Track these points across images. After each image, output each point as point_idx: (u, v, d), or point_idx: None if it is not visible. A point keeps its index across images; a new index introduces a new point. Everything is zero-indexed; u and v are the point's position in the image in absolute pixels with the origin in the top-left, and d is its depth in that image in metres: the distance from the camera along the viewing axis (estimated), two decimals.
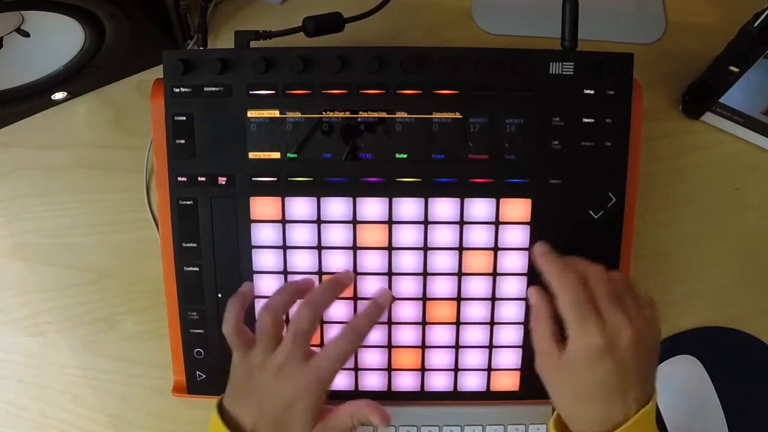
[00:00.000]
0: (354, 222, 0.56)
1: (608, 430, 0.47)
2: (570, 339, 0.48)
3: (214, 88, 0.55)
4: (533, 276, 0.56)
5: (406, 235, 0.56)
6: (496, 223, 0.56)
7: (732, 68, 0.59)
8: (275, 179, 0.56)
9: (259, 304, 0.57)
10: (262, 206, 0.56)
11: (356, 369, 0.58)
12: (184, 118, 0.55)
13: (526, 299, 0.56)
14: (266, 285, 0.57)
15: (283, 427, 0.50)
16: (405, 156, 0.55)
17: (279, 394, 0.50)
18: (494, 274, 0.56)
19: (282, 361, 0.50)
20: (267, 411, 0.50)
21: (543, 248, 0.52)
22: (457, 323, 0.57)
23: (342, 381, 0.58)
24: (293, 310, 0.53)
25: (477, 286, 0.56)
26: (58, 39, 0.58)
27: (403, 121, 0.55)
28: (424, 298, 0.57)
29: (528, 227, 0.56)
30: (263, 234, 0.56)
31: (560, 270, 0.50)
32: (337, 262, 0.56)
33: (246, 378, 0.51)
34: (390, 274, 0.56)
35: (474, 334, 0.57)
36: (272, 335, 0.51)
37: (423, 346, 0.58)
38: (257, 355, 0.51)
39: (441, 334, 0.57)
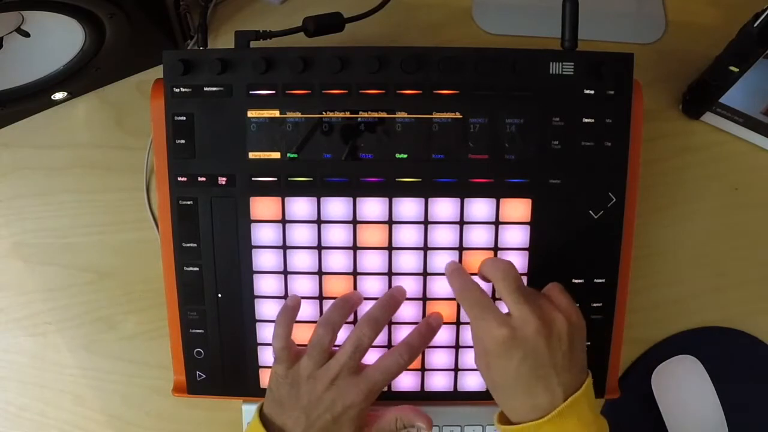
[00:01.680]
0: (354, 222, 0.56)
1: (538, 417, 0.48)
2: (481, 338, 0.50)
3: (214, 88, 0.55)
4: (533, 276, 0.56)
5: (406, 235, 0.56)
6: (496, 223, 0.56)
7: (732, 68, 0.59)
8: (275, 179, 0.56)
9: (261, 303, 0.57)
10: (262, 206, 0.56)
11: None
12: (184, 118, 0.55)
13: None
14: (266, 285, 0.57)
15: None
16: (405, 156, 0.55)
17: (330, 405, 0.51)
18: None
19: (335, 374, 0.51)
20: (315, 420, 0.51)
21: (452, 266, 0.55)
22: (457, 323, 0.57)
23: None
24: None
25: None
26: (58, 39, 0.58)
27: (403, 121, 0.55)
28: (424, 298, 0.57)
29: (528, 227, 0.56)
30: (263, 234, 0.56)
31: (460, 281, 0.53)
32: (337, 262, 0.56)
33: (292, 389, 0.52)
34: (390, 274, 0.56)
35: None
36: (326, 350, 0.52)
37: None
38: (306, 367, 0.52)
39: (441, 334, 0.57)
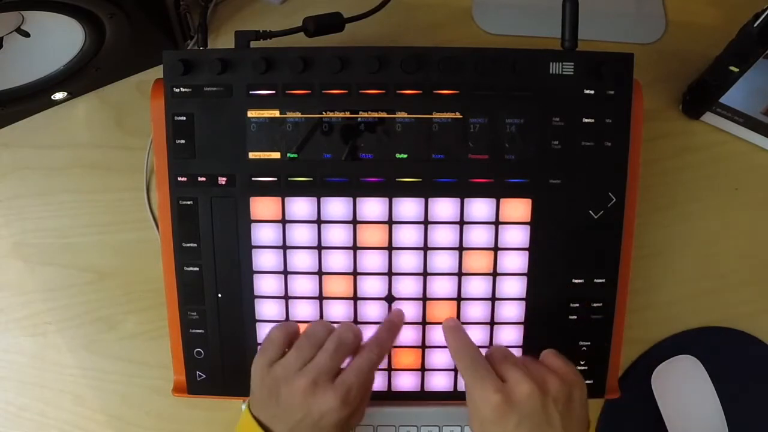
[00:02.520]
0: (354, 222, 0.56)
1: None
2: (476, 403, 0.49)
3: (214, 88, 0.55)
4: (533, 276, 0.56)
5: (406, 235, 0.56)
6: (496, 223, 0.56)
7: (732, 68, 0.59)
8: (275, 179, 0.56)
9: (261, 303, 0.57)
10: (262, 206, 0.56)
11: None
12: (184, 118, 0.55)
13: (526, 299, 0.57)
14: (266, 285, 0.57)
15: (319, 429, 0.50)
16: (405, 156, 0.55)
17: (309, 411, 0.50)
18: (494, 274, 0.56)
19: (314, 377, 0.50)
20: (295, 425, 0.50)
21: (450, 323, 0.56)
22: None
23: None
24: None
25: (477, 286, 0.57)
26: (58, 39, 0.58)
27: (403, 121, 0.55)
28: (424, 298, 0.57)
29: (528, 227, 0.56)
30: (263, 234, 0.56)
31: (457, 340, 0.53)
32: (337, 262, 0.56)
33: (272, 391, 0.51)
34: (390, 274, 0.56)
35: (474, 334, 0.57)
36: (315, 344, 0.52)
37: (423, 346, 0.58)
38: (287, 364, 0.51)
39: (441, 334, 0.57)
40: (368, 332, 0.56)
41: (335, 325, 0.54)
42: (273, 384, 0.51)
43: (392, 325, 0.55)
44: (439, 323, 0.57)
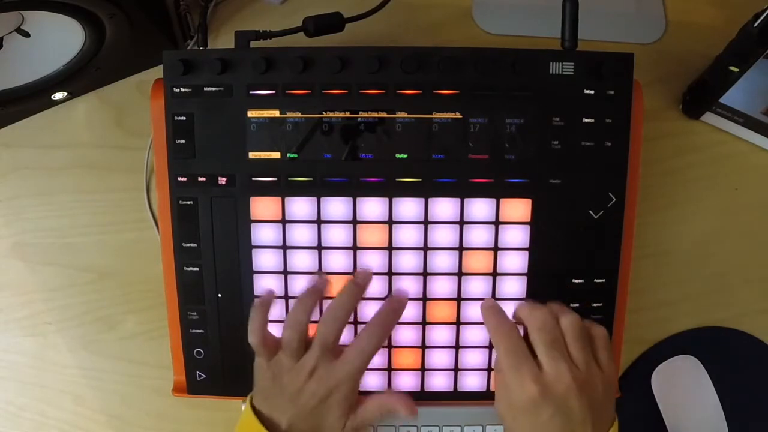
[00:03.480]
0: (354, 222, 0.56)
1: None
2: (510, 388, 0.49)
3: (214, 88, 0.55)
4: (533, 276, 0.56)
5: (406, 235, 0.56)
6: (496, 223, 0.56)
7: (732, 68, 0.59)
8: (275, 179, 0.56)
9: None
10: (262, 206, 0.56)
11: None
12: (184, 118, 0.55)
13: (526, 299, 0.56)
14: (266, 285, 0.57)
15: (320, 417, 0.51)
16: (405, 156, 0.55)
17: (313, 392, 0.51)
18: (494, 274, 0.56)
19: (313, 365, 0.51)
20: (302, 406, 0.51)
21: (488, 303, 0.54)
22: (457, 323, 0.57)
23: None
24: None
25: (477, 286, 0.56)
26: (58, 39, 0.58)
27: (403, 121, 0.55)
28: (424, 298, 0.57)
29: (528, 227, 0.56)
30: (263, 234, 0.56)
31: (496, 321, 0.52)
32: (337, 262, 0.56)
33: (275, 381, 0.52)
34: (390, 274, 0.56)
35: (474, 334, 0.57)
36: (299, 347, 0.52)
37: (423, 346, 0.58)
38: (284, 360, 0.52)
39: (441, 334, 0.57)
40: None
41: (308, 300, 0.54)
42: (275, 375, 0.52)
43: (397, 303, 0.54)
44: (439, 323, 0.57)
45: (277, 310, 0.57)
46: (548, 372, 0.48)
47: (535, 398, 0.47)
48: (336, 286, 0.57)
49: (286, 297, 0.57)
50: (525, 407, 0.48)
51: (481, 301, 0.56)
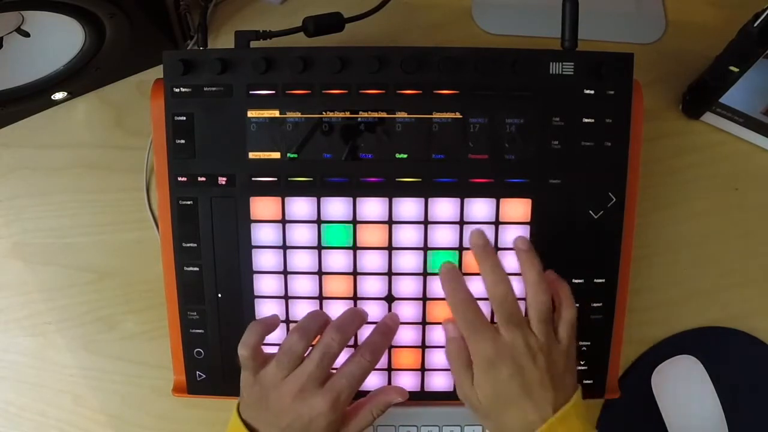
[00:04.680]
0: (354, 222, 0.56)
1: None
2: (471, 356, 0.50)
3: (214, 88, 0.55)
4: None
5: (406, 235, 0.56)
6: (496, 223, 0.56)
7: (732, 68, 0.59)
8: (275, 179, 0.56)
9: (261, 303, 0.57)
10: (262, 206, 0.56)
11: None
12: (184, 118, 0.55)
13: (525, 299, 0.56)
14: (266, 285, 0.57)
15: None
16: (405, 156, 0.55)
17: (298, 415, 0.50)
18: None
19: (302, 383, 0.50)
20: (287, 427, 0.50)
21: (447, 267, 0.53)
22: None
23: None
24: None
25: (477, 286, 0.56)
26: (58, 39, 0.58)
27: (403, 121, 0.55)
28: (424, 298, 0.57)
29: (528, 227, 0.56)
30: (263, 234, 0.56)
31: (451, 288, 0.52)
32: (337, 262, 0.56)
33: (261, 396, 0.51)
34: (390, 274, 0.56)
35: None
36: (298, 357, 0.51)
37: (423, 346, 0.58)
38: (271, 374, 0.51)
39: (441, 334, 0.57)
40: (367, 334, 0.56)
41: (321, 315, 0.54)
42: (261, 391, 0.51)
43: (387, 328, 0.55)
44: (439, 323, 0.57)
45: (276, 310, 0.57)
46: (504, 335, 0.49)
47: (491, 357, 0.49)
48: (336, 285, 0.57)
49: (287, 297, 0.57)
50: (485, 368, 0.49)
51: (482, 301, 0.56)
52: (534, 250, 0.51)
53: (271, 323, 0.54)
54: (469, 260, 0.56)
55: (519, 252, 0.51)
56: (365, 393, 0.55)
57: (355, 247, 0.56)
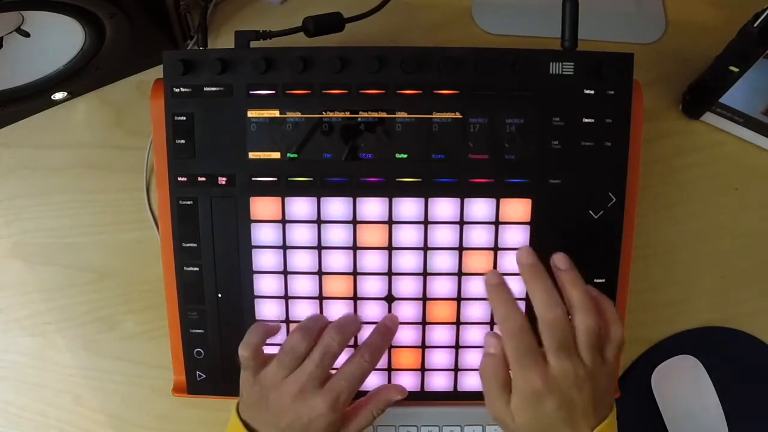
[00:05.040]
0: (354, 222, 0.56)
1: None
2: (513, 381, 0.49)
3: (214, 88, 0.55)
4: None
5: (406, 235, 0.56)
6: (496, 223, 0.56)
7: (732, 68, 0.59)
8: (275, 179, 0.56)
9: (260, 303, 0.57)
10: (262, 206, 0.56)
11: None
12: (184, 118, 0.55)
13: (526, 300, 0.56)
14: (266, 285, 0.57)
15: None
16: (405, 156, 0.55)
17: (298, 416, 0.50)
18: None
19: (302, 384, 0.50)
20: (286, 427, 0.50)
21: (494, 280, 0.51)
22: (457, 323, 0.57)
23: None
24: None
25: (477, 286, 0.56)
26: (58, 39, 0.58)
27: (403, 121, 0.55)
28: (424, 298, 0.57)
29: (528, 227, 0.56)
30: (263, 234, 0.56)
31: (505, 311, 0.49)
32: (337, 262, 0.56)
33: (261, 396, 0.51)
34: (390, 274, 0.56)
35: (474, 334, 0.57)
36: (299, 357, 0.51)
37: (423, 346, 0.58)
38: (271, 374, 0.51)
39: (441, 334, 0.57)
40: (367, 334, 0.56)
41: (322, 318, 0.54)
42: (261, 391, 0.51)
43: (386, 329, 0.55)
44: (439, 323, 0.57)
45: (276, 310, 0.57)
46: (554, 367, 0.48)
47: (539, 391, 0.47)
48: (336, 285, 0.57)
49: (287, 297, 0.57)
50: (529, 402, 0.48)
51: (483, 301, 0.56)
52: (576, 268, 0.49)
53: (273, 327, 0.54)
54: (470, 260, 0.56)
55: (559, 271, 0.50)
56: (364, 393, 0.55)
57: (355, 247, 0.56)
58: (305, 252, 0.56)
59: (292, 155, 0.55)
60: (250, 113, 0.55)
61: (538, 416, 0.48)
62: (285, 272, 0.57)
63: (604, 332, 0.49)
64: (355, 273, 0.57)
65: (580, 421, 0.48)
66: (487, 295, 0.51)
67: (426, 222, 0.56)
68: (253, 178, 0.56)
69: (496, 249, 0.56)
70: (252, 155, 0.55)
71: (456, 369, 0.58)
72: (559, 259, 0.50)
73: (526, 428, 0.49)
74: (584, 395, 0.48)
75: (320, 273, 0.57)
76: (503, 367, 0.49)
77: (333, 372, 0.52)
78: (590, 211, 0.56)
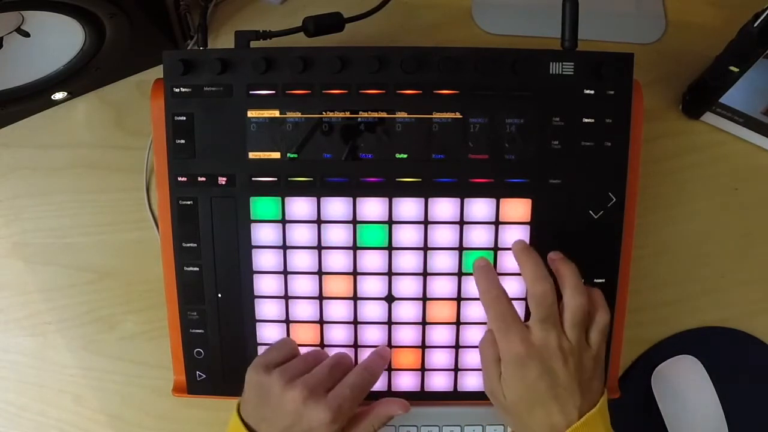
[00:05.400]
0: (354, 222, 0.56)
1: None
2: (500, 352, 0.50)
3: (214, 88, 0.55)
4: None
5: (406, 235, 0.56)
6: (496, 223, 0.56)
7: (732, 68, 0.59)
8: (275, 179, 0.56)
9: (260, 303, 0.57)
10: (262, 206, 0.56)
11: None
12: (184, 118, 0.55)
13: (526, 300, 0.56)
14: (266, 285, 0.57)
15: None
16: (405, 156, 0.55)
17: (299, 421, 0.50)
18: None
19: (309, 389, 0.50)
20: (285, 429, 0.50)
21: (481, 262, 0.54)
22: (457, 323, 0.57)
23: None
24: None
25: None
26: (58, 39, 0.58)
27: (403, 121, 0.55)
28: (424, 298, 0.57)
29: (528, 227, 0.56)
30: (263, 234, 0.56)
31: (486, 284, 0.52)
32: (337, 262, 0.56)
33: (263, 401, 0.51)
34: (390, 274, 0.56)
35: (474, 334, 0.57)
36: (309, 366, 0.53)
37: (423, 346, 0.58)
38: (277, 381, 0.51)
39: (441, 334, 0.57)
40: (367, 334, 0.56)
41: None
42: (267, 386, 0.51)
43: (381, 354, 0.57)
44: (439, 323, 0.57)
45: (276, 310, 0.57)
46: (535, 334, 0.49)
47: (521, 355, 0.49)
48: (336, 285, 0.57)
49: (287, 297, 0.57)
50: (514, 367, 0.49)
51: (481, 306, 0.56)
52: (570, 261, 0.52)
53: (295, 349, 0.56)
54: (470, 260, 0.56)
55: (554, 261, 0.52)
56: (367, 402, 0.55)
57: (355, 247, 0.56)
58: (305, 252, 0.56)
59: (292, 155, 0.55)
60: (250, 113, 0.55)
61: (523, 385, 0.49)
62: (285, 272, 0.57)
63: (590, 317, 0.51)
64: (355, 273, 0.57)
65: (564, 395, 0.48)
66: (474, 278, 0.53)
67: (426, 222, 0.56)
68: (253, 178, 0.56)
69: (496, 249, 0.56)
70: (252, 155, 0.55)
71: (456, 369, 0.58)
72: (554, 253, 0.53)
73: (514, 399, 0.50)
74: (568, 369, 0.49)
75: (320, 273, 0.57)
76: (494, 341, 0.51)
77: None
78: (590, 211, 0.56)
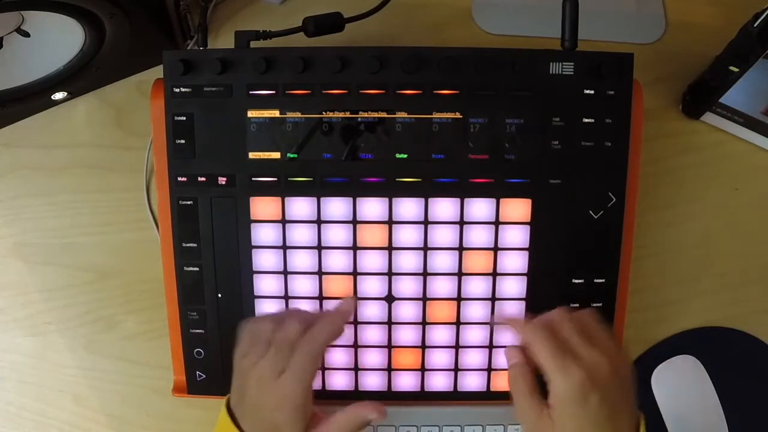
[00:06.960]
0: (354, 222, 0.56)
1: None
2: (554, 387, 0.48)
3: (214, 88, 0.55)
4: (533, 276, 0.56)
5: (406, 235, 0.56)
6: (496, 223, 0.56)
7: (732, 68, 0.59)
8: (275, 179, 0.56)
9: (260, 303, 0.57)
10: (262, 206, 0.56)
11: (356, 369, 0.58)
12: (184, 118, 0.55)
13: (526, 300, 0.56)
14: (266, 285, 0.57)
15: None
16: (405, 156, 0.55)
17: (261, 405, 0.49)
18: (494, 274, 0.56)
19: (267, 371, 0.49)
20: (257, 420, 0.49)
21: (506, 315, 0.55)
22: (457, 323, 0.57)
23: (342, 381, 0.58)
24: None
25: (477, 286, 0.56)
26: (58, 39, 0.58)
27: (403, 121, 0.55)
28: (424, 298, 0.57)
29: (528, 227, 0.56)
30: (263, 234, 0.56)
31: (531, 327, 0.51)
32: (337, 262, 0.56)
33: (241, 386, 0.51)
34: (390, 274, 0.56)
35: (474, 334, 0.57)
36: (267, 342, 0.50)
37: (423, 346, 0.58)
38: (248, 361, 0.50)
39: (441, 334, 0.57)
40: (367, 334, 0.56)
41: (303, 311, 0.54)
42: (240, 376, 0.51)
43: (336, 316, 0.54)
44: (439, 323, 0.57)
45: (276, 309, 0.57)
46: (588, 359, 0.48)
47: (584, 385, 0.47)
48: (336, 285, 0.57)
49: (287, 297, 0.57)
50: (575, 399, 0.47)
51: (483, 301, 0.56)
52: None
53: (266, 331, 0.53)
54: (470, 260, 0.56)
55: (519, 321, 0.54)
56: (355, 399, 0.53)
57: (355, 247, 0.56)
58: (305, 252, 0.56)
59: (292, 155, 0.55)
60: (250, 113, 0.55)
61: (582, 415, 0.47)
62: (285, 272, 0.57)
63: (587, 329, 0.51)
64: (355, 273, 0.57)
65: (621, 416, 0.48)
66: (524, 341, 0.52)
67: (426, 222, 0.56)
68: (253, 178, 0.56)
69: (496, 249, 0.56)
70: (252, 155, 0.55)
71: (456, 369, 0.58)
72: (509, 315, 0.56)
73: None
74: (620, 392, 0.49)
75: (320, 273, 0.57)
76: (529, 372, 0.50)
77: None
78: (590, 211, 0.56)
